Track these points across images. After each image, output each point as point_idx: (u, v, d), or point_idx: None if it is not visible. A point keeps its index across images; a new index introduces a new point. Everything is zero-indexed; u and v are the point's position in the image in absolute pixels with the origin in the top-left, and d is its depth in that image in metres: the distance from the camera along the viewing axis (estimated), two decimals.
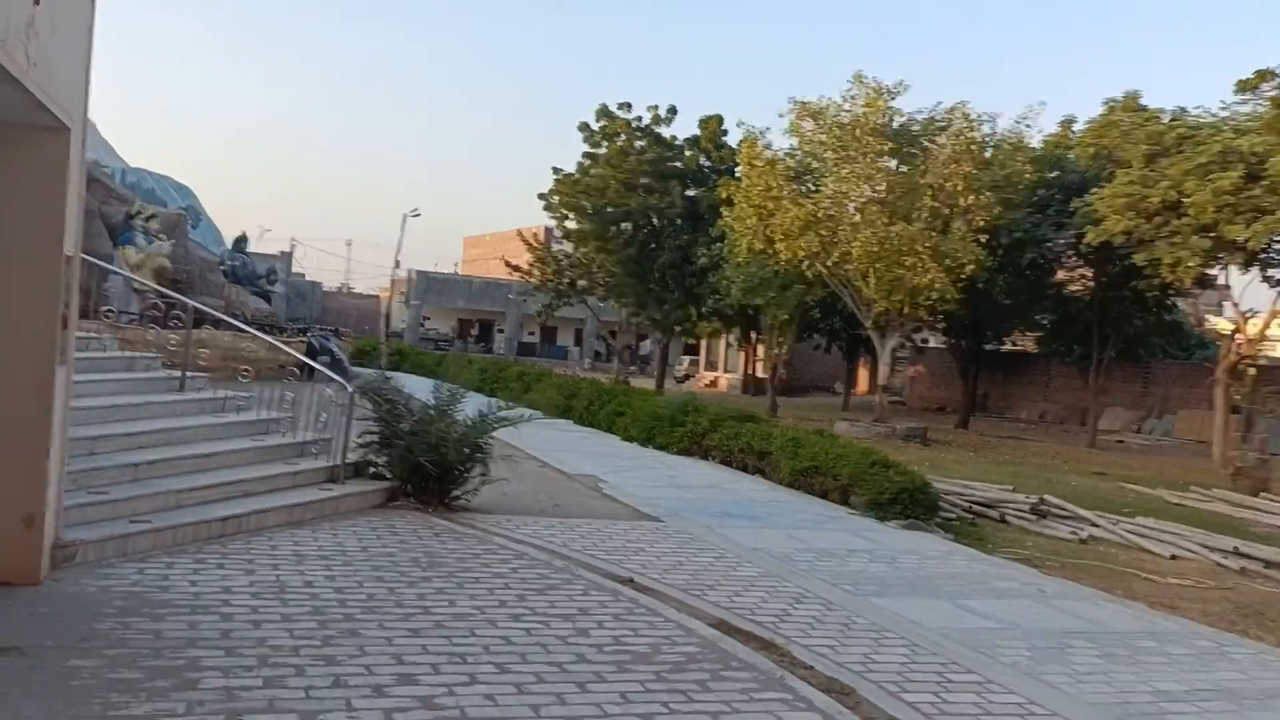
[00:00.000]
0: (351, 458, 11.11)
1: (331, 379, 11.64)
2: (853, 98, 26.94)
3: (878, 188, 26.34)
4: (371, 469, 11.29)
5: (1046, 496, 14.97)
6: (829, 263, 26.45)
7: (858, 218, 26.20)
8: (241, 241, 38.39)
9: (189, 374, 11.64)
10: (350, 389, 11.04)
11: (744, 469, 16.28)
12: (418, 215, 35.08)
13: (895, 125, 27.60)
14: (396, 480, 11.07)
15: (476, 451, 11.19)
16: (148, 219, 31.75)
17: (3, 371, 6.74)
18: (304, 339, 32.93)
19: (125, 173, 41.78)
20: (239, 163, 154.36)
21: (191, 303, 12.83)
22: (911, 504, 12.59)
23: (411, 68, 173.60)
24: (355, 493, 10.50)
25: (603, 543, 9.86)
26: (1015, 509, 14.22)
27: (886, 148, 26.58)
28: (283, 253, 61.67)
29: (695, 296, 36.91)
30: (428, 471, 10.67)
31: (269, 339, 14.40)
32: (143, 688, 5.22)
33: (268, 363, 13.79)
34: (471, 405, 11.53)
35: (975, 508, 14.21)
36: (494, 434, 11.36)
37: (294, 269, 63.19)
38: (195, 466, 9.59)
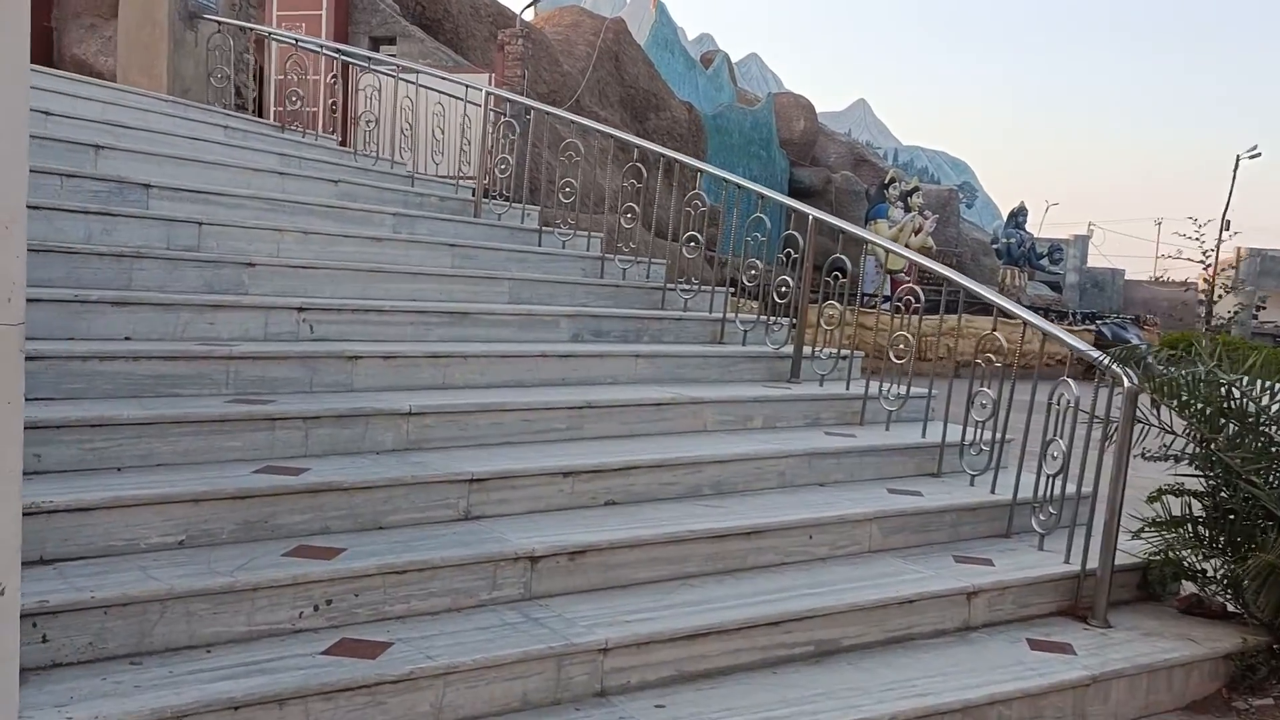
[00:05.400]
0: (1132, 550, 4.43)
1: (1098, 362, 4.82)
2: None
3: None
4: (1181, 582, 4.48)
5: None
6: None
7: None
8: (1019, 215, 32.40)
9: (835, 353, 5.98)
10: (1129, 382, 4.31)
11: None
12: (1257, 155, 25.45)
13: None
14: (1254, 622, 4.12)
15: None
16: (908, 192, 27.29)
17: None
18: (1091, 327, 26.04)
19: (898, 152, 38.82)
20: (1025, 134, 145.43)
21: (941, 272, 6.41)
22: None
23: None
24: (1132, 665, 3.77)
25: None
26: None
27: None
28: (1076, 236, 54.02)
29: None
30: None
31: (1042, 323, 7.81)
32: None
33: (1033, 356, 7.38)
34: None
35: None
36: None
37: (1089, 256, 55.15)
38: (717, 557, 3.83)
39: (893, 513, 4.41)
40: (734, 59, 30.08)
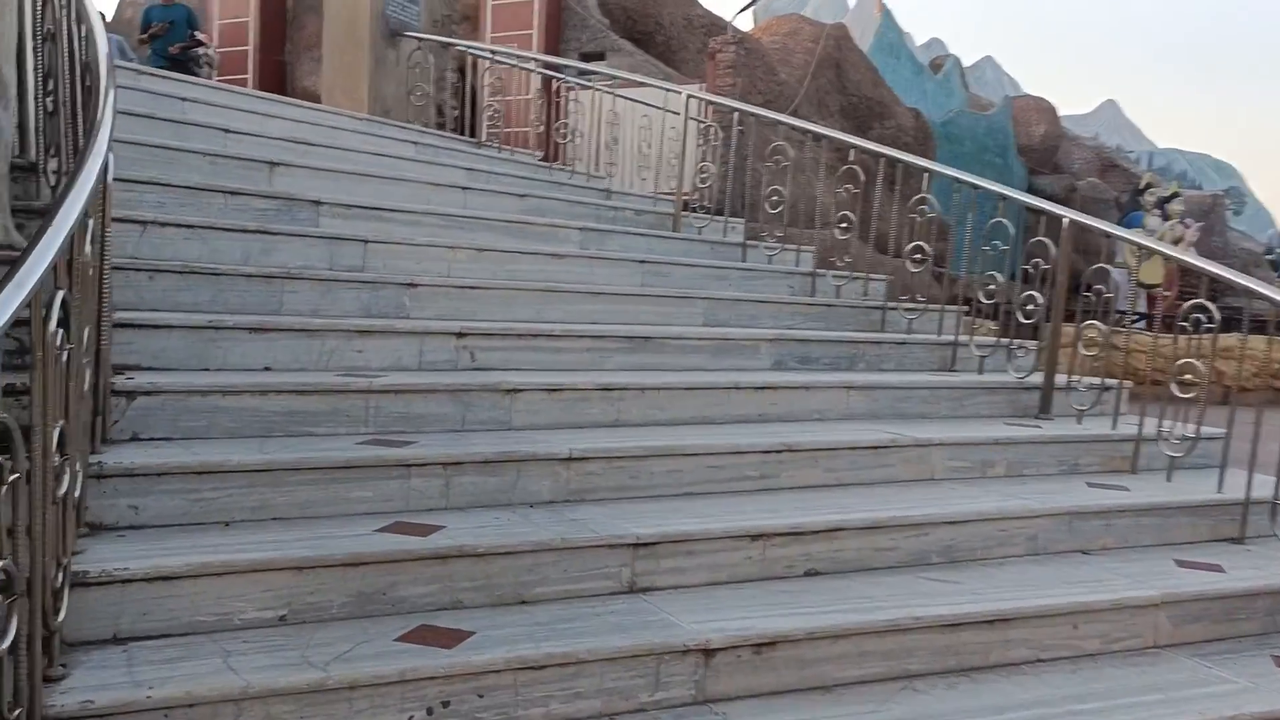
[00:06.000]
0: None
1: None
2: None
3: None
4: None
5: None
6: None
7: None
8: None
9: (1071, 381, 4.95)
10: None
11: None
12: None
13: None
14: None
15: None
16: (1167, 198, 24.95)
17: None
18: None
19: (1153, 156, 35.54)
20: None
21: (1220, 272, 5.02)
22: None
23: None
24: None
25: None
26: None
27: None
28: None
29: None
30: None
31: None
32: None
33: None
34: None
35: None
36: None
37: None
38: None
39: (1186, 595, 3.38)
40: (967, 63, 28.40)
